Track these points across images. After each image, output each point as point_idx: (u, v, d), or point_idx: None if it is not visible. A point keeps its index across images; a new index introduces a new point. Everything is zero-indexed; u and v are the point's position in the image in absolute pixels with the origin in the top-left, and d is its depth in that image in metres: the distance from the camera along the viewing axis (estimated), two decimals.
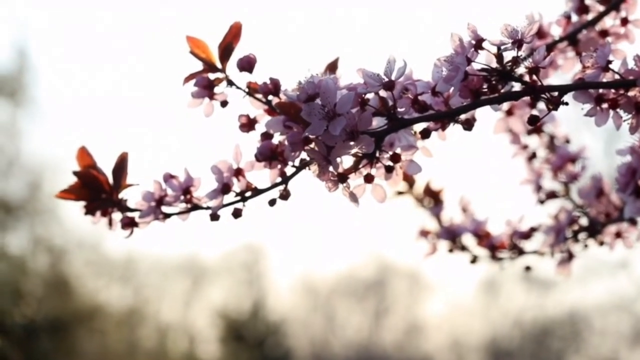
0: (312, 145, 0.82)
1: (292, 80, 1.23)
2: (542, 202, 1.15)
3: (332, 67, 1.24)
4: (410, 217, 1.34)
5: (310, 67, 1.19)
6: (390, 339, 15.73)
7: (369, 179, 0.84)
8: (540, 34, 1.01)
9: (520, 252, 1.19)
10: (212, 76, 0.92)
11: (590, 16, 1.00)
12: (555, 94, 0.81)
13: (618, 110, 0.82)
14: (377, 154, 0.83)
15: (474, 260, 1.26)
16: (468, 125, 0.83)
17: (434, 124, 0.84)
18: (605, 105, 0.82)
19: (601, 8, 0.98)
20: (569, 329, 14.59)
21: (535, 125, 0.83)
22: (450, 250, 1.29)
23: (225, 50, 0.91)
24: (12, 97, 9.83)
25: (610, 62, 0.81)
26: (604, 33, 0.99)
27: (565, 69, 1.01)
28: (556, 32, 1.03)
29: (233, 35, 0.91)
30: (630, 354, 14.71)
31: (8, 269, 9.25)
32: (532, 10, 0.98)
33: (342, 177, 0.83)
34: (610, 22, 1.00)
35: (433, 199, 1.33)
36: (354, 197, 0.84)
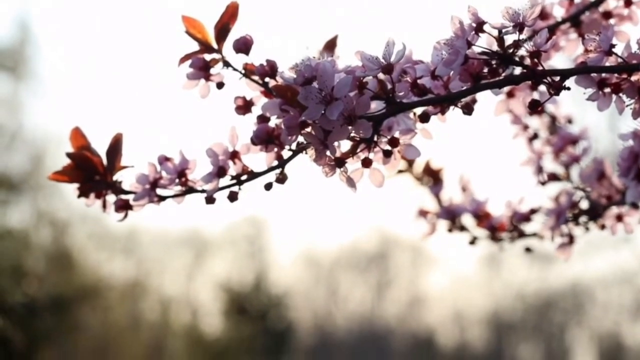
0: (309, 129, 0.80)
1: (289, 60, 1.22)
2: (543, 184, 1.13)
3: (331, 46, 1.22)
4: (413, 191, 1.33)
5: (308, 45, 1.18)
6: (392, 311, 15.78)
7: (366, 163, 0.82)
8: (543, 15, 0.99)
9: (520, 234, 1.17)
10: (208, 57, 0.90)
11: None
12: (557, 78, 0.79)
13: (621, 94, 0.81)
14: (375, 138, 0.81)
15: (473, 241, 1.24)
16: (468, 109, 0.81)
17: (433, 107, 0.82)
18: (607, 90, 0.81)
19: None
20: (571, 302, 14.64)
21: (536, 110, 0.82)
22: (450, 230, 1.27)
23: (222, 30, 0.89)
24: (13, 71, 9.81)
25: (613, 46, 0.80)
26: (607, 15, 0.97)
27: (568, 51, 1.00)
28: (558, 13, 1.01)
29: (230, 16, 0.89)
30: (632, 326, 14.75)
31: (11, 244, 9.25)
32: None
33: (340, 162, 0.81)
34: (613, 3, 0.98)
35: (432, 178, 1.32)
36: (351, 182, 0.82)
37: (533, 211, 1.15)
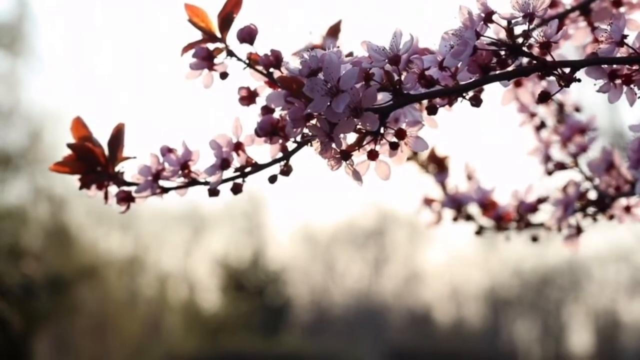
0: (314, 121, 0.79)
1: (294, 47, 1.20)
2: (550, 173, 1.12)
3: (334, 31, 1.21)
4: (411, 167, 1.31)
5: (311, 30, 1.16)
6: (389, 287, 15.81)
7: (373, 155, 0.81)
8: (552, 3, 0.98)
9: (527, 224, 1.16)
10: (211, 46, 0.89)
11: None
12: (567, 69, 0.78)
13: (632, 86, 0.79)
14: (382, 130, 0.80)
15: (480, 231, 1.23)
16: (476, 101, 0.80)
17: (440, 99, 0.81)
18: (618, 81, 0.79)
19: None
20: (568, 279, 14.67)
21: (546, 101, 0.81)
22: (455, 220, 1.26)
23: (225, 19, 0.88)
24: (11, 47, 9.78)
25: (625, 36, 0.78)
26: (618, 3, 0.95)
27: (576, 40, 0.98)
28: (567, 0, 0.99)
29: (233, 4, 0.88)
30: (629, 304, 14.79)
31: (8, 221, 9.24)
32: None
33: (345, 155, 0.80)
34: None
35: (438, 165, 1.30)
36: (357, 175, 0.81)
37: (540, 201, 1.14)
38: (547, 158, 1.12)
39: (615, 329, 14.88)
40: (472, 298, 15.98)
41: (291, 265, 14.50)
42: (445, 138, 1.31)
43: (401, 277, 15.90)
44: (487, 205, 1.22)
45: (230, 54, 0.88)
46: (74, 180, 0.89)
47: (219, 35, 0.89)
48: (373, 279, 15.76)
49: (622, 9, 0.95)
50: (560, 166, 1.11)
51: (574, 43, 0.98)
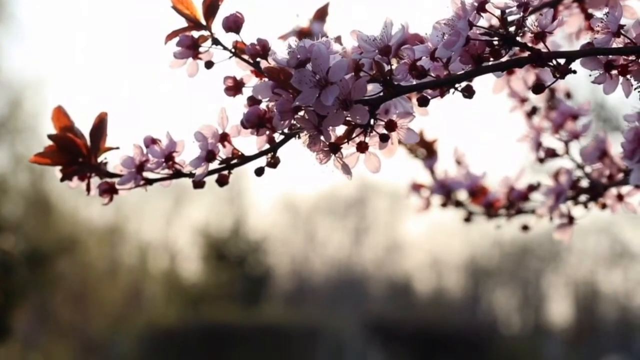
0: (302, 113, 0.77)
1: (281, 28, 1.17)
2: (541, 160, 1.10)
3: (322, 15, 1.18)
4: (398, 150, 1.29)
5: (298, 13, 1.14)
6: (370, 257, 15.84)
7: (362, 148, 0.79)
8: None
9: (518, 211, 1.14)
10: (196, 34, 0.86)
11: None
12: (563, 60, 0.76)
13: (628, 77, 0.78)
14: (372, 122, 0.78)
15: (469, 217, 1.21)
16: (468, 92, 0.77)
17: (432, 90, 0.79)
18: (614, 72, 0.77)
19: None
20: (548, 249, 14.73)
21: (540, 92, 0.79)
22: (444, 205, 1.24)
23: (210, 6, 0.85)
24: None
25: (622, 27, 0.77)
26: None
27: (570, 27, 0.96)
28: None
29: None
30: (608, 274, 14.88)
31: None
32: None
33: (334, 147, 0.78)
34: None
35: (426, 150, 1.28)
36: (346, 169, 0.79)
37: (531, 188, 1.12)
38: (538, 145, 1.10)
39: (594, 299, 14.99)
40: (452, 268, 16.04)
41: (272, 234, 14.50)
42: (433, 122, 1.29)
43: (382, 247, 15.94)
44: (477, 192, 1.20)
45: (216, 42, 0.86)
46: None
47: (204, 22, 0.86)
48: (353, 248, 15.80)
49: None
50: (552, 153, 1.08)
51: (567, 30, 0.96)
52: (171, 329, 10.76)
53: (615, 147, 1.03)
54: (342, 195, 15.84)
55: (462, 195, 1.22)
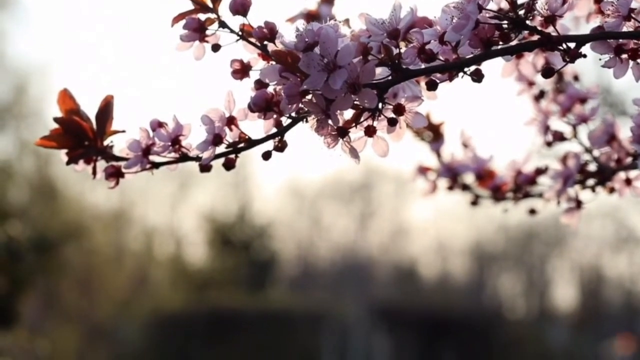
0: (310, 97, 0.76)
1: (289, 10, 1.17)
2: (549, 144, 1.09)
3: None
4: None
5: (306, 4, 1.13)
6: (375, 241, 15.83)
7: (370, 132, 0.78)
8: None
9: (525, 195, 1.14)
10: (202, 17, 0.86)
11: None
12: (573, 44, 0.75)
13: (639, 61, 0.77)
14: (380, 106, 0.77)
15: (476, 201, 1.21)
16: (477, 76, 0.77)
17: (440, 74, 0.78)
18: (625, 56, 0.77)
19: None
20: (553, 234, 14.72)
21: (550, 77, 0.78)
22: (450, 189, 1.24)
23: None
24: None
25: (632, 10, 0.76)
26: None
27: (579, 10, 0.95)
28: None
29: None
30: (613, 259, 14.87)
31: None
32: None
33: (342, 131, 0.77)
34: None
35: (433, 132, 1.27)
36: (354, 153, 0.79)
37: (539, 172, 1.11)
38: (546, 128, 1.09)
39: (600, 283, 14.98)
40: (457, 253, 16.03)
41: (277, 219, 14.50)
42: (440, 104, 1.28)
43: (387, 232, 15.93)
44: (484, 175, 1.19)
45: (223, 25, 0.85)
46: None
47: (210, 5, 0.85)
48: (359, 233, 15.79)
49: None
50: (560, 137, 1.08)
51: (576, 13, 0.95)
52: (176, 314, 10.79)
53: (624, 131, 1.03)
54: (348, 180, 15.82)
55: (469, 178, 1.21)
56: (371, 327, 11.34)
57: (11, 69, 10.04)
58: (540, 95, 1.11)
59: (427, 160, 1.26)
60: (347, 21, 0.98)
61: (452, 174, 1.22)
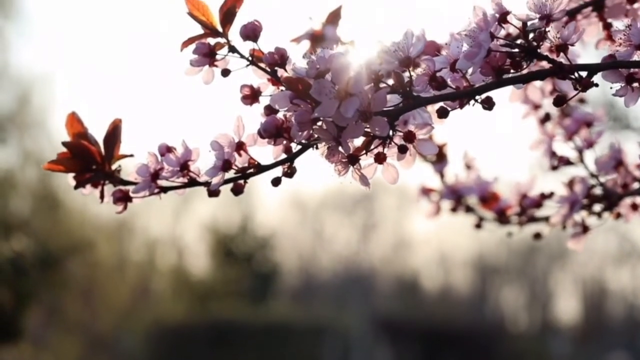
0: (321, 124, 0.76)
1: (295, 31, 1.17)
2: (555, 168, 1.09)
3: (335, 17, 1.17)
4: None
5: (312, 16, 1.13)
6: (378, 253, 15.83)
7: (380, 159, 0.78)
8: None
9: (530, 219, 1.13)
10: (212, 41, 0.85)
11: None
12: (584, 73, 0.75)
13: None
14: (390, 133, 0.77)
15: (479, 224, 1.20)
16: (488, 103, 0.76)
17: (451, 102, 0.77)
18: (636, 85, 0.76)
19: None
20: (556, 247, 14.69)
21: (561, 106, 0.78)
22: (454, 210, 1.23)
23: (227, 13, 0.84)
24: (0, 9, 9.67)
25: None
26: None
27: (588, 36, 0.95)
28: None
29: None
30: (615, 272, 14.86)
31: None
32: None
33: (353, 159, 0.77)
34: None
35: (436, 155, 1.26)
36: (365, 180, 0.78)
37: (544, 197, 1.11)
38: (552, 153, 1.09)
39: (602, 297, 14.96)
40: (459, 265, 16.02)
41: (280, 230, 14.49)
42: (443, 125, 1.27)
43: (389, 244, 15.92)
44: (488, 198, 1.18)
45: (233, 50, 0.85)
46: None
47: (220, 29, 0.85)
48: (361, 245, 15.78)
49: (636, 5, 0.92)
50: (566, 161, 1.07)
51: (585, 39, 0.95)
52: (178, 325, 10.77)
53: (629, 149, 1.02)
54: (350, 192, 15.80)
55: (473, 200, 1.21)
56: (373, 339, 11.32)
57: (14, 78, 10.05)
58: (546, 118, 1.11)
59: (430, 181, 1.25)
60: (352, 43, 0.98)
61: (456, 196, 1.22)
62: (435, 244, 16.29)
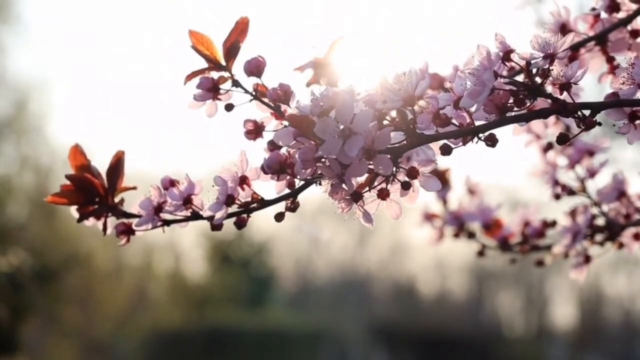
0: (325, 161, 0.76)
1: (298, 59, 1.16)
2: (557, 197, 1.09)
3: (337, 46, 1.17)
4: None
5: (314, 45, 1.13)
6: (374, 259, 15.80)
7: (384, 195, 0.78)
8: (566, 31, 0.94)
9: (533, 247, 1.13)
10: (216, 75, 0.85)
11: (621, 15, 0.93)
12: (588, 112, 0.75)
13: None
14: (394, 170, 0.77)
15: (482, 252, 1.20)
16: (491, 141, 0.76)
17: (454, 139, 0.78)
18: (639, 122, 0.76)
19: (634, 6, 0.91)
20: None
21: (565, 144, 0.78)
22: (456, 236, 1.23)
23: (231, 48, 0.84)
24: None
25: None
26: (635, 33, 0.92)
27: (592, 70, 0.95)
28: (582, 27, 0.95)
29: (239, 32, 0.84)
30: (612, 277, 14.85)
31: None
32: (557, 4, 0.92)
33: (357, 196, 0.77)
34: None
35: (439, 179, 1.26)
36: (368, 217, 0.78)
37: (547, 225, 1.11)
38: (555, 181, 1.09)
39: (599, 302, 14.95)
40: (456, 270, 16.00)
41: (276, 236, 14.47)
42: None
43: (386, 249, 15.90)
44: (491, 225, 1.18)
45: (236, 84, 0.85)
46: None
47: (224, 63, 0.85)
48: (358, 250, 15.76)
49: (639, 40, 0.92)
50: (569, 191, 1.07)
51: (588, 73, 0.95)
52: (175, 330, 10.76)
53: (633, 187, 1.03)
54: None
55: (475, 226, 1.21)
56: (370, 344, 11.31)
57: (11, 84, 10.03)
58: (549, 147, 1.11)
59: (433, 207, 1.25)
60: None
61: (459, 222, 1.22)
62: (431, 249, 16.27)
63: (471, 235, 1.21)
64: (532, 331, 14.91)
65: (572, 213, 1.05)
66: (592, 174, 1.07)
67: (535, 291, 15.61)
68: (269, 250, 13.55)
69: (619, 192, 1.02)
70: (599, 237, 1.04)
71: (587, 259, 1.04)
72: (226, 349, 10.35)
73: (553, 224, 1.10)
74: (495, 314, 15.42)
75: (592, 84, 0.99)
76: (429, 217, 1.25)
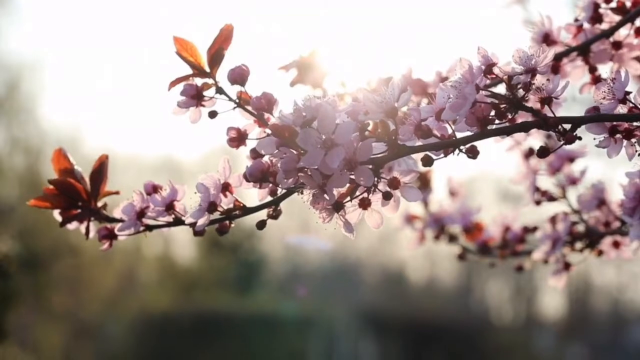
0: (306, 170, 0.76)
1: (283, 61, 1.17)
2: (537, 203, 1.09)
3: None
4: None
5: (300, 53, 1.13)
6: (364, 245, 15.81)
7: (365, 205, 0.78)
8: (549, 41, 0.95)
9: (513, 252, 1.14)
10: (200, 81, 0.85)
11: (603, 26, 0.93)
12: (568, 126, 0.76)
13: (633, 140, 0.77)
14: (375, 180, 0.77)
15: (463, 255, 1.21)
16: (472, 153, 0.77)
17: (436, 150, 0.78)
18: (619, 136, 0.77)
19: (616, 18, 0.92)
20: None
21: (545, 157, 0.78)
22: (437, 238, 1.24)
23: (215, 55, 0.84)
24: None
25: (628, 93, 0.76)
26: (617, 44, 0.93)
27: (573, 79, 0.95)
28: (565, 37, 0.96)
29: (223, 39, 0.84)
30: (601, 266, 14.89)
31: None
32: (540, 14, 0.93)
33: (338, 206, 0.77)
34: (624, 32, 0.93)
35: (421, 182, 1.26)
36: (349, 227, 0.79)
37: (527, 230, 1.12)
38: (536, 187, 1.10)
39: (587, 291, 15.00)
40: (445, 257, 16.02)
41: (267, 221, 14.46)
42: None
43: (375, 235, 15.91)
44: (472, 229, 1.19)
45: (220, 91, 0.85)
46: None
47: (208, 70, 0.85)
48: (347, 236, 15.76)
49: (621, 51, 0.93)
50: (549, 197, 1.08)
51: (570, 82, 0.95)
52: (164, 314, 10.77)
53: (613, 195, 1.03)
54: None
55: (456, 229, 1.21)
56: (358, 331, 11.34)
57: (3, 65, 10.01)
58: (530, 152, 1.11)
59: (414, 209, 1.26)
60: (343, 84, 0.99)
61: (439, 225, 1.22)
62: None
63: (452, 239, 1.21)
64: (520, 319, 14.96)
65: (552, 220, 1.05)
66: (572, 182, 1.07)
67: (523, 280, 15.65)
68: (259, 235, 13.55)
69: (598, 200, 1.03)
70: (578, 245, 1.05)
71: (567, 266, 1.05)
72: (214, 333, 10.36)
73: (534, 229, 1.11)
74: (484, 301, 15.45)
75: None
76: (409, 219, 1.25)
